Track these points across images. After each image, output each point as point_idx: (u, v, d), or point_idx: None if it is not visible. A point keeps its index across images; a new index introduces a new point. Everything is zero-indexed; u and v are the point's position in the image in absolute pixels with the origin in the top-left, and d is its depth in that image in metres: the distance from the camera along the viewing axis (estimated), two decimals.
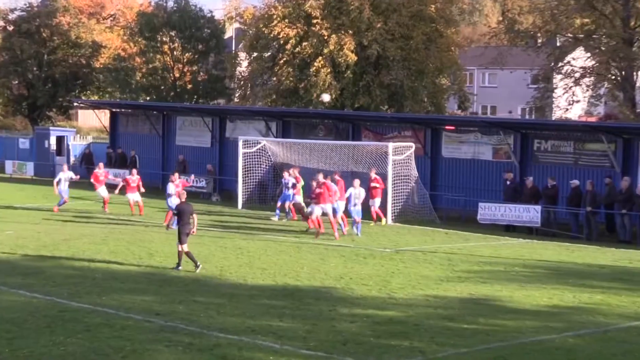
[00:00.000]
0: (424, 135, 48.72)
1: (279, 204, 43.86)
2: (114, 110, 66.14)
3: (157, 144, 60.66)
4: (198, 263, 29.77)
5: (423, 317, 24.05)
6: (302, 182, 42.29)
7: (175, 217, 31.39)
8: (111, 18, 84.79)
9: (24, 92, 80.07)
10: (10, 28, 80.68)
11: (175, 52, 72.11)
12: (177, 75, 72.55)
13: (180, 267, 30.00)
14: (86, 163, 60.49)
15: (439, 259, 33.53)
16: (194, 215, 30.54)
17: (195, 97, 73.48)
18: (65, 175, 45.62)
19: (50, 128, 71.77)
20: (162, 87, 72.83)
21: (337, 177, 40.45)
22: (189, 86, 73.14)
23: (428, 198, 45.41)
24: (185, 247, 30.00)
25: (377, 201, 41.85)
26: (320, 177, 38.95)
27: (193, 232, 30.58)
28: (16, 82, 79.51)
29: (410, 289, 27.79)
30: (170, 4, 74.98)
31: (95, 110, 72.63)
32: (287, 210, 43.29)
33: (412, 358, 20.04)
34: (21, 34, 78.62)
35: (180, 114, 61.16)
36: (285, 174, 42.89)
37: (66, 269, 30.41)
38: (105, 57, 76.69)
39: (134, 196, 43.94)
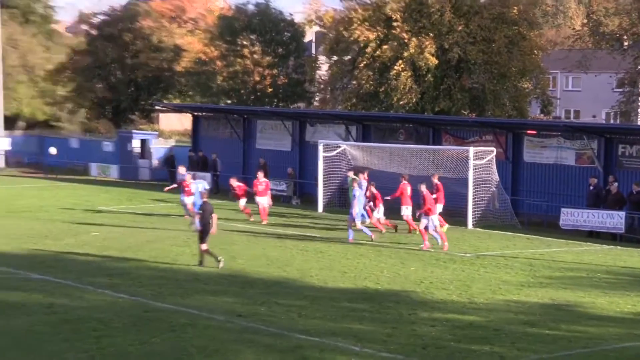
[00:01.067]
0: (505, 140, 48.41)
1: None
2: (195, 113, 66.61)
3: (237, 147, 60.93)
4: (219, 258, 30.78)
5: (504, 322, 24.03)
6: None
7: (198, 217, 31.96)
8: (192, 22, 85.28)
9: (108, 95, 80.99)
10: (94, 32, 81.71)
11: (255, 56, 72.42)
12: (257, 78, 72.89)
13: (203, 264, 31.00)
14: (169, 166, 61.04)
15: (520, 265, 33.39)
16: (214, 215, 31.37)
17: (275, 100, 73.84)
18: (198, 185, 41.69)
19: (133, 131, 72.46)
20: (243, 91, 73.25)
21: (435, 180, 40.50)
22: (269, 90, 73.46)
23: (509, 203, 45.12)
24: (204, 246, 30.85)
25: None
26: (423, 187, 38.90)
27: (213, 232, 31.38)
28: (100, 85, 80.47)
29: (490, 294, 27.75)
30: (251, 7, 75.51)
31: (177, 114, 73.41)
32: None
33: None
34: (104, 37, 79.61)
35: (260, 117, 61.49)
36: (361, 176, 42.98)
37: (150, 270, 30.82)
38: (187, 61, 77.33)
39: (262, 200, 44.14)
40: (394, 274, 30.90)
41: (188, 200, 41.25)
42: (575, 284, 29.81)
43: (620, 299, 27.47)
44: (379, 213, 40.10)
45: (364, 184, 41.47)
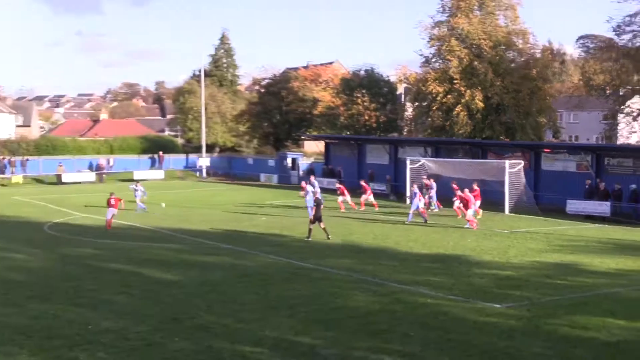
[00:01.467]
0: (529, 156, 47.79)
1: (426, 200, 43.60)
2: (327, 141, 67.02)
3: (354, 162, 61.08)
4: (329, 236, 31.06)
5: (530, 275, 23.65)
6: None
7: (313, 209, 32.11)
8: (324, 82, 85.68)
9: (271, 130, 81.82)
10: (262, 90, 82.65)
11: (365, 103, 72.28)
12: (366, 118, 72.71)
13: (309, 238, 31.02)
14: (310, 175, 61.30)
15: (540, 237, 32.80)
16: (321, 205, 32.20)
17: (378, 132, 73.58)
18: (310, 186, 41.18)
19: (287, 153, 73.13)
20: (357, 126, 73.17)
21: (475, 186, 39.87)
22: (374, 125, 73.29)
23: (532, 197, 44.40)
24: (322, 224, 31.26)
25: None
26: (475, 185, 39.50)
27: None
28: (266, 124, 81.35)
29: (521, 257, 27.31)
30: (362, 72, 75.42)
31: (315, 141, 73.67)
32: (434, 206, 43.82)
33: (522, 302, 19.76)
34: (269, 93, 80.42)
35: (369, 143, 61.53)
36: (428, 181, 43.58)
37: (298, 242, 30.99)
38: (321, 108, 77.58)
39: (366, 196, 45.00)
40: (456, 244, 30.60)
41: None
42: (577, 250, 29.20)
43: (608, 259, 26.88)
44: (472, 210, 37.39)
45: (434, 185, 42.93)
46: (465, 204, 36.96)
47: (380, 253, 28.09)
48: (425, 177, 45.39)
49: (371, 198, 44.99)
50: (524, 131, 62.15)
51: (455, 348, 15.56)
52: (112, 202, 35.62)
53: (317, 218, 31.44)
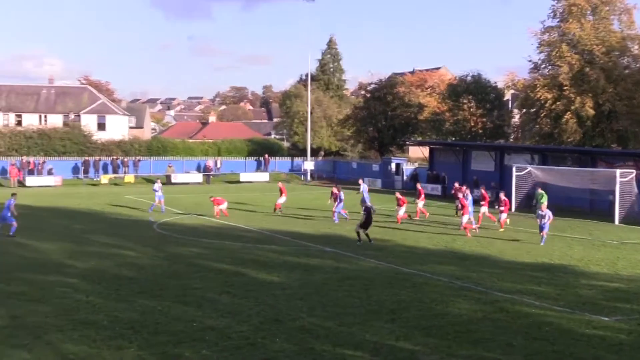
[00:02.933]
0: None
1: None
2: (431, 146, 66.52)
3: (458, 168, 60.38)
4: (371, 240, 31.06)
5: None
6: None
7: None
8: (430, 88, 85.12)
9: (376, 135, 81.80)
10: (368, 95, 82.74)
11: (471, 109, 71.40)
12: (472, 124, 71.80)
13: (360, 242, 31.00)
14: (414, 181, 61.05)
15: None
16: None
17: (484, 138, 72.51)
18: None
19: (392, 158, 72.98)
20: (463, 132, 72.33)
21: (502, 196, 38.19)
22: (480, 131, 72.29)
23: None
24: (366, 231, 31.21)
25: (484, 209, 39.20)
26: (502, 195, 38.47)
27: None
28: (371, 128, 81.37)
29: (631, 269, 26.37)
30: (469, 78, 74.58)
31: (420, 147, 73.30)
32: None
33: (632, 315, 19.09)
34: (374, 98, 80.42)
35: (474, 149, 60.72)
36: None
37: (400, 247, 30.87)
38: (426, 113, 77.07)
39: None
40: (563, 253, 29.81)
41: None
42: None
43: None
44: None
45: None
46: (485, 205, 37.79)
47: (484, 260, 27.66)
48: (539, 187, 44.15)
49: (420, 205, 42.73)
50: (638, 140, 60.27)
51: None
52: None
53: (366, 225, 31.43)
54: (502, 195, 37.95)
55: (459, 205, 39.49)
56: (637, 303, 20.47)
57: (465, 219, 35.64)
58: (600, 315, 18.90)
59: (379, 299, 20.44)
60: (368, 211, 31.77)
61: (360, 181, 43.80)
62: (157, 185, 44.43)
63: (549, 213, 32.49)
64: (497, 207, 38.17)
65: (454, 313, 19.09)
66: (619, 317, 18.76)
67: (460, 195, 39.40)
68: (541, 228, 32.46)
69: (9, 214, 32.72)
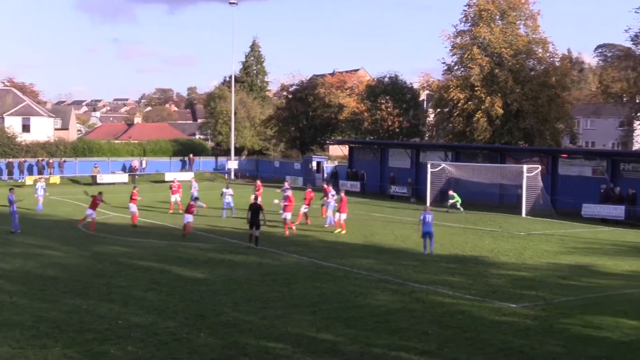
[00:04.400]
0: (547, 161, 47.47)
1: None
2: (351, 145, 66.96)
3: (377, 166, 60.95)
4: (251, 245, 28.78)
5: (545, 276, 23.49)
6: None
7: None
8: (349, 89, 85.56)
9: (297, 134, 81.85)
10: (290, 96, 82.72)
11: (388, 109, 72.12)
12: (389, 123, 72.53)
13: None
14: (333, 178, 61.31)
15: (556, 239, 32.59)
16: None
17: (401, 136, 73.36)
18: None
19: (313, 156, 73.14)
20: (380, 131, 73.01)
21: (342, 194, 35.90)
22: (397, 130, 73.09)
23: (549, 200, 44.17)
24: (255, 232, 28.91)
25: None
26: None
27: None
28: (293, 128, 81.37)
29: (536, 258, 27.14)
30: (387, 79, 75.26)
31: (340, 145, 73.70)
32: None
33: (538, 302, 19.63)
34: (296, 99, 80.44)
35: (391, 147, 61.36)
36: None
37: (320, 242, 30.98)
38: (346, 113, 77.42)
39: None
40: (474, 245, 30.47)
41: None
42: (592, 252, 28.98)
43: (621, 262, 26.68)
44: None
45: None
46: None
47: (401, 254, 28.01)
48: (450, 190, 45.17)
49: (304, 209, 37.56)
50: (542, 137, 61.92)
51: (472, 346, 15.47)
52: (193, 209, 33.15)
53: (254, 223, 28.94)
54: (342, 194, 34.95)
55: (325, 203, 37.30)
56: (542, 290, 21.07)
57: (288, 216, 33.39)
58: (508, 302, 19.37)
59: (300, 293, 20.48)
60: (252, 210, 29.07)
61: (287, 183, 41.53)
62: (40, 185, 44.84)
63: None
64: (328, 203, 36.17)
65: (372, 304, 19.27)
66: (525, 304, 19.27)
67: (329, 194, 36.88)
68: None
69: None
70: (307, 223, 36.60)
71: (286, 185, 38.71)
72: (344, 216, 34.07)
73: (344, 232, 33.36)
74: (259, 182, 43.60)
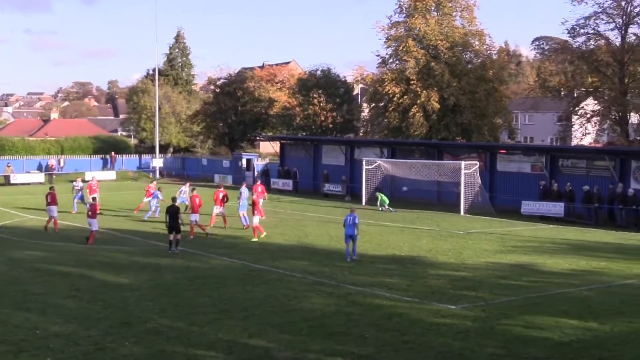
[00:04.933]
0: (485, 157, 48.24)
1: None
2: (282, 141, 66.92)
3: (309, 163, 61.03)
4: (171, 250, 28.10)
5: (485, 276, 23.86)
6: None
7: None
8: (280, 82, 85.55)
9: (226, 130, 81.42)
10: (217, 90, 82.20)
11: (321, 104, 72.41)
12: (322, 118, 72.85)
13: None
14: (264, 176, 61.19)
15: (495, 238, 33.15)
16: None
17: (334, 132, 73.70)
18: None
19: (242, 153, 72.83)
20: (313, 127, 73.22)
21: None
22: (330, 125, 73.41)
23: (487, 198, 44.90)
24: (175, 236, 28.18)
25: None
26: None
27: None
28: (221, 124, 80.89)
29: (476, 258, 27.55)
30: (319, 73, 75.45)
31: (271, 142, 73.58)
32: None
33: (477, 302, 19.92)
34: (224, 93, 79.98)
35: (324, 143, 61.52)
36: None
37: (252, 244, 30.85)
38: (277, 108, 77.43)
39: None
40: (412, 245, 30.77)
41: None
42: (531, 251, 29.58)
43: (561, 260, 27.31)
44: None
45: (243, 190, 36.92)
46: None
47: (336, 255, 28.09)
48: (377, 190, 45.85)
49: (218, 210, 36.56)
50: (480, 132, 62.86)
51: (411, 349, 15.63)
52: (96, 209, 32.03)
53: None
54: (249, 190, 34.33)
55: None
56: (482, 290, 21.41)
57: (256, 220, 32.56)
58: (448, 304, 19.63)
59: (231, 297, 20.37)
60: (170, 213, 28.49)
61: (244, 185, 39.27)
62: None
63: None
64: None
65: (307, 308, 19.30)
66: (465, 305, 19.55)
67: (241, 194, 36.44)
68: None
69: None
70: (225, 226, 35.78)
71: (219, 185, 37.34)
72: (256, 220, 32.49)
73: (255, 239, 31.77)
74: (152, 185, 43.61)
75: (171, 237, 28.30)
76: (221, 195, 36.07)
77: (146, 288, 21.64)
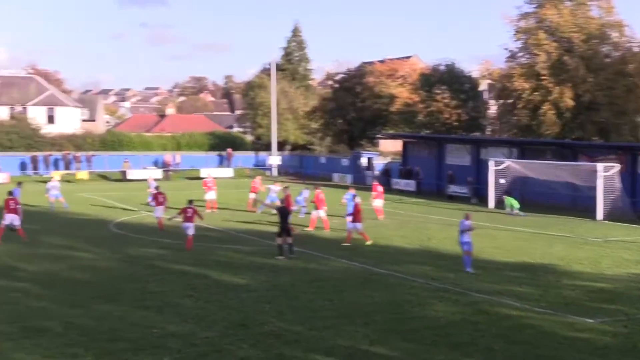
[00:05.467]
0: (625, 158, 46.56)
1: None
2: (404, 140, 66.75)
3: (433, 162, 60.61)
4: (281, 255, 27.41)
5: (626, 288, 23.06)
6: None
7: None
8: (402, 78, 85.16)
9: (345, 128, 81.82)
10: (336, 85, 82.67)
11: (445, 100, 71.69)
12: (446, 116, 72.09)
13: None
14: (385, 175, 61.06)
15: (637, 247, 31.97)
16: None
17: (459, 130, 72.86)
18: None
19: (362, 152, 73.06)
20: (437, 124, 72.63)
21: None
22: (455, 123, 72.62)
23: (629, 203, 43.32)
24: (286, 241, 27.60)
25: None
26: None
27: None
28: (340, 121, 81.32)
29: (615, 268, 26.65)
30: (442, 67, 74.85)
31: (392, 140, 73.46)
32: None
33: (618, 317, 19.27)
34: (343, 89, 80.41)
35: (449, 142, 60.98)
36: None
37: (371, 246, 30.83)
38: (398, 104, 77.11)
39: None
40: (544, 252, 30.05)
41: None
42: None
43: None
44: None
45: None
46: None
47: (460, 260, 27.68)
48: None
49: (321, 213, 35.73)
50: (619, 132, 60.87)
51: None
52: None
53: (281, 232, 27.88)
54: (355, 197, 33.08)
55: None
56: (623, 304, 20.67)
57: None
58: (584, 317, 19.04)
59: (351, 302, 20.41)
60: (280, 213, 28.51)
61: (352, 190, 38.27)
62: (51, 184, 45.40)
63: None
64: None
65: (431, 316, 19.13)
66: (604, 319, 18.91)
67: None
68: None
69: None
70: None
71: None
72: (359, 225, 31.36)
73: (368, 242, 31.21)
74: (257, 179, 45.13)
75: (279, 240, 27.90)
76: (321, 196, 35.79)
77: (263, 289, 21.97)
